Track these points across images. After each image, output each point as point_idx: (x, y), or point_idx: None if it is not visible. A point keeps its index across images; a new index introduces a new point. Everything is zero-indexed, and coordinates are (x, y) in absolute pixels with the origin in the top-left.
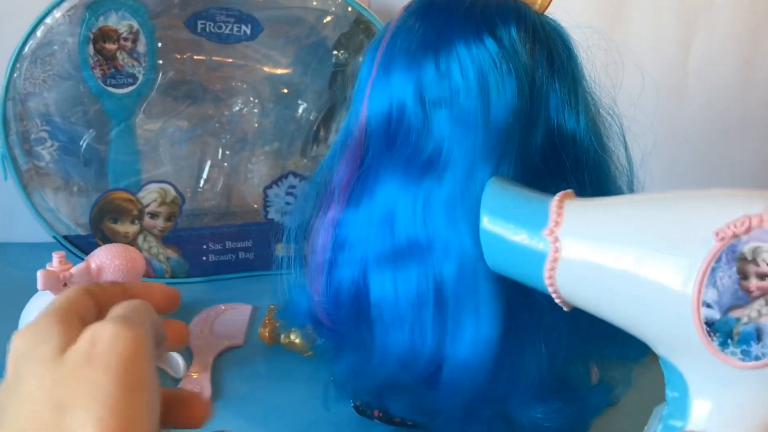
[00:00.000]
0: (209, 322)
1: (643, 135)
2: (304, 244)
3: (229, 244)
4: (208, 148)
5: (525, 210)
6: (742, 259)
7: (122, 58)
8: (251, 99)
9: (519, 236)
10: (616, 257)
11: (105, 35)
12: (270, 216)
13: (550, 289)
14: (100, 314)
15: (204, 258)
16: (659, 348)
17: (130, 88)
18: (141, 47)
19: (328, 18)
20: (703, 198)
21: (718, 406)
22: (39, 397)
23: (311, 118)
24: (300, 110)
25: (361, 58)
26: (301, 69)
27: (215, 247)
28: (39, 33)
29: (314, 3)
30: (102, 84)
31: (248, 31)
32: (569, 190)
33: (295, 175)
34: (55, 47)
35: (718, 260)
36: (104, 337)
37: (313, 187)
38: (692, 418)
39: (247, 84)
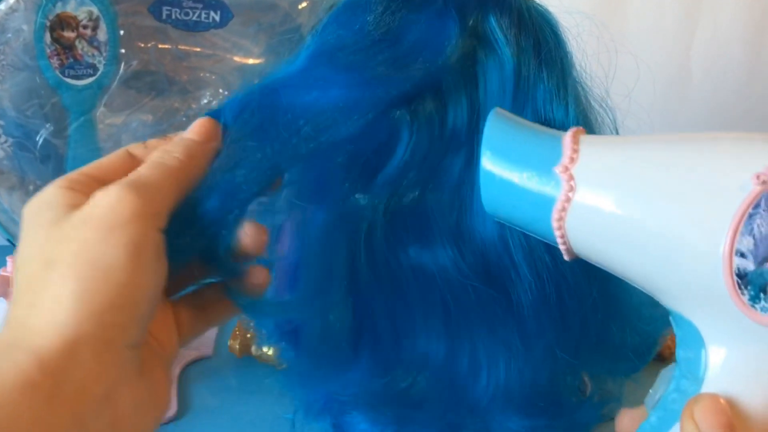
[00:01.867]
0: None
1: (639, 129)
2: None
3: None
4: None
5: (534, 145)
6: None
7: (81, 47)
8: (220, 91)
9: (526, 174)
10: (638, 201)
11: (63, 22)
12: None
13: (557, 234)
14: None
15: None
16: (676, 303)
17: (90, 80)
18: (102, 35)
19: (304, 4)
20: (740, 140)
21: (737, 366)
22: (34, 255)
23: None
24: None
25: None
26: (274, 59)
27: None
28: None
29: None
30: (60, 75)
31: (217, 18)
32: (581, 127)
33: None
34: (9, 35)
35: (757, 206)
36: (105, 199)
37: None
38: (708, 379)
39: (216, 75)
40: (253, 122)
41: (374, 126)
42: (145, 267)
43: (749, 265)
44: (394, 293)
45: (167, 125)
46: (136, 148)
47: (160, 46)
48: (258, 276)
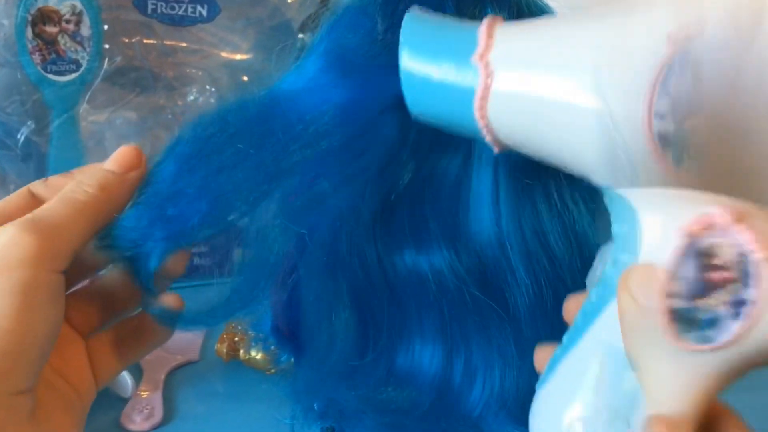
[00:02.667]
0: None
1: None
2: None
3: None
4: (159, 142)
5: (451, 38)
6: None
7: (64, 42)
8: (207, 88)
9: (445, 67)
10: (555, 78)
11: (45, 17)
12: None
13: (480, 124)
14: None
15: None
16: (606, 178)
17: (73, 76)
18: (85, 30)
19: None
20: (652, 3)
21: (668, 233)
22: None
23: None
24: None
25: None
26: (264, 54)
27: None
28: None
29: None
30: (42, 71)
31: (204, 13)
32: (498, 15)
33: None
34: None
35: (671, 66)
36: (1, 240)
37: None
38: (644, 251)
39: (203, 71)
40: (251, 126)
41: (376, 128)
42: (36, 312)
43: (669, 126)
44: (389, 299)
45: (152, 122)
46: (36, 187)
47: (145, 41)
48: (172, 301)
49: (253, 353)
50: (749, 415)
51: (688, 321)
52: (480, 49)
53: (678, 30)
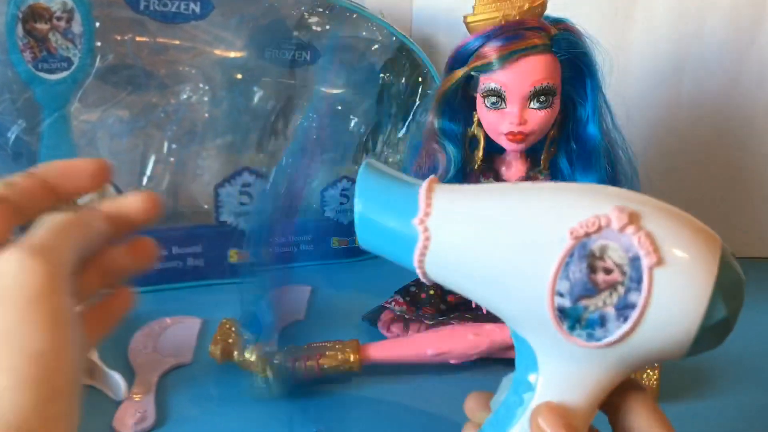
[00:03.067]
0: (153, 338)
1: (629, 123)
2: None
3: (175, 250)
4: (152, 141)
5: (396, 198)
6: (592, 256)
7: (55, 39)
8: (201, 86)
9: (392, 224)
10: (483, 246)
11: (36, 14)
12: (222, 218)
13: (418, 271)
14: (22, 219)
15: None
16: (515, 326)
17: (65, 74)
18: (76, 27)
19: (376, 46)
20: (560, 194)
21: (562, 377)
22: None
23: (268, 107)
24: (256, 99)
25: (403, 80)
26: (257, 52)
27: (160, 253)
28: None
29: (363, 33)
30: (33, 69)
31: (197, 10)
32: (433, 176)
33: (348, 179)
34: None
35: (571, 256)
36: (9, 269)
37: (273, 188)
38: (540, 388)
39: (196, 69)
40: None
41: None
42: (72, 338)
43: (567, 303)
44: None
45: (145, 121)
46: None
47: (137, 38)
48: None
49: (247, 355)
50: (749, 415)
51: (575, 319)
52: (420, 214)
53: (578, 227)
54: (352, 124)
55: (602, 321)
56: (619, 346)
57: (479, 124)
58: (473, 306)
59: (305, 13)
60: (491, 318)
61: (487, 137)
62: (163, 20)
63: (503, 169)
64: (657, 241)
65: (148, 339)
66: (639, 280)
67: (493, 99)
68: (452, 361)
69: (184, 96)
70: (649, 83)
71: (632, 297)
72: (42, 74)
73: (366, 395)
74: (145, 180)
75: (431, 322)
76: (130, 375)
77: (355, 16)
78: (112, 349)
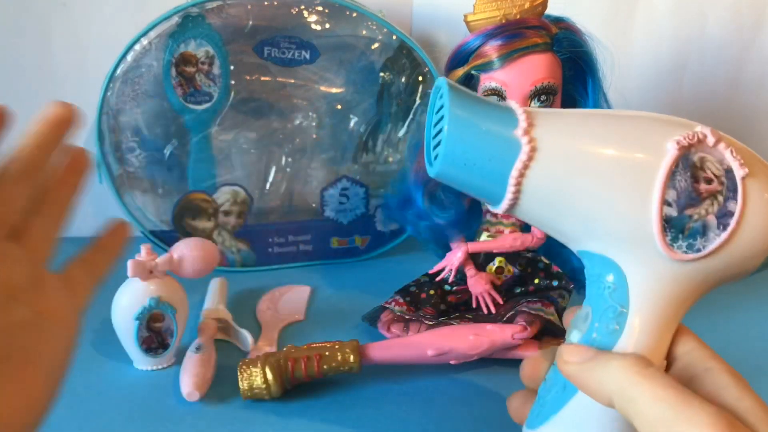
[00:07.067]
0: (274, 301)
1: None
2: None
3: (291, 238)
4: (273, 156)
5: (492, 110)
6: (694, 166)
7: (200, 79)
8: (310, 114)
9: (492, 134)
10: (591, 160)
11: (185, 60)
12: (326, 214)
13: (511, 190)
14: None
15: (270, 250)
16: (608, 247)
17: (207, 105)
18: (216, 70)
19: (376, 45)
20: (654, 117)
21: (651, 294)
22: None
23: (361, 130)
24: (351, 123)
25: (403, 79)
26: (353, 88)
27: (279, 241)
28: (129, 58)
29: (363, 32)
30: (183, 101)
31: (308, 56)
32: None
33: (348, 179)
34: (143, 70)
35: (677, 166)
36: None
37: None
38: (632, 304)
39: (307, 101)
40: None
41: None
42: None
43: (673, 212)
44: None
45: (268, 141)
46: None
47: (262, 78)
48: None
49: (258, 381)
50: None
51: (679, 229)
52: (523, 124)
53: (682, 139)
54: (352, 123)
55: (704, 230)
56: (712, 259)
57: None
58: (473, 306)
59: (387, 60)
60: (492, 318)
61: None
62: (281, 64)
63: None
64: (745, 156)
65: (271, 302)
66: (735, 190)
67: (494, 98)
68: (452, 362)
69: (297, 122)
70: (650, 82)
71: (730, 205)
72: (190, 105)
73: (366, 395)
74: (267, 185)
75: (431, 323)
76: (256, 331)
77: (355, 14)
78: (242, 312)
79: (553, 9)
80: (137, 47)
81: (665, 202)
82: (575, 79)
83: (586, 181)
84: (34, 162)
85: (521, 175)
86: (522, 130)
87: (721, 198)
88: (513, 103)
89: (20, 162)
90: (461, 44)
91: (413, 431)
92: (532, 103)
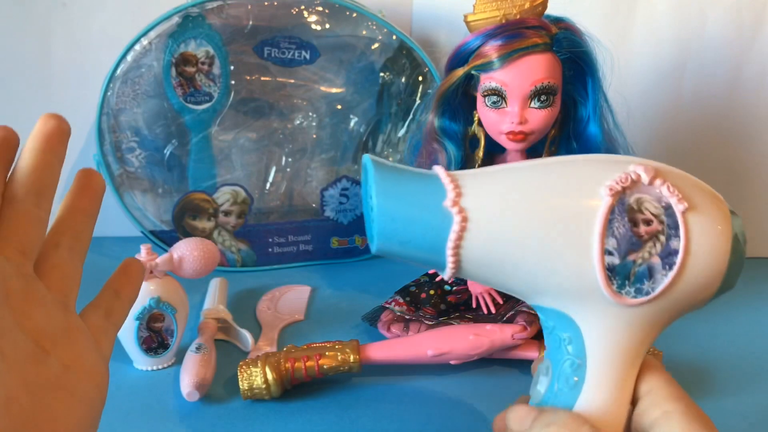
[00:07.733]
0: (274, 301)
1: (629, 120)
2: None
3: (291, 238)
4: (273, 156)
5: (418, 186)
6: (631, 210)
7: (200, 79)
8: (310, 114)
9: (420, 213)
10: (525, 220)
11: (185, 60)
12: (326, 214)
13: (450, 261)
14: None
15: (270, 250)
16: (558, 300)
17: (207, 105)
18: (216, 70)
19: (376, 45)
20: (585, 162)
21: (606, 344)
22: None
23: (360, 130)
24: (351, 123)
25: (403, 79)
26: (353, 88)
27: (279, 240)
28: (129, 58)
29: (363, 32)
30: (183, 101)
31: (308, 56)
32: (438, 165)
33: (348, 179)
34: (143, 70)
35: (613, 213)
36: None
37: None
38: (589, 355)
39: (307, 101)
40: None
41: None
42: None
43: (616, 260)
44: None
45: (268, 141)
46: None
47: (262, 78)
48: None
49: (258, 381)
50: (749, 415)
51: (624, 276)
52: (451, 195)
53: (614, 184)
54: (352, 123)
55: (650, 272)
56: (664, 299)
57: (480, 124)
58: (473, 306)
59: (387, 60)
60: (492, 318)
61: (487, 136)
62: (281, 65)
63: None
64: (683, 190)
65: (271, 302)
66: (676, 227)
67: (494, 98)
68: (452, 362)
69: (297, 122)
70: (650, 82)
71: (673, 243)
72: (190, 105)
73: (366, 395)
74: (267, 185)
75: (431, 323)
76: (256, 331)
77: (355, 15)
78: (242, 312)
79: (553, 9)
80: (137, 47)
81: (606, 252)
82: (575, 79)
83: (523, 241)
84: (44, 183)
85: (457, 246)
86: (451, 201)
87: (663, 237)
88: (440, 170)
89: (30, 184)
90: (461, 44)
91: (413, 431)
92: (532, 102)
